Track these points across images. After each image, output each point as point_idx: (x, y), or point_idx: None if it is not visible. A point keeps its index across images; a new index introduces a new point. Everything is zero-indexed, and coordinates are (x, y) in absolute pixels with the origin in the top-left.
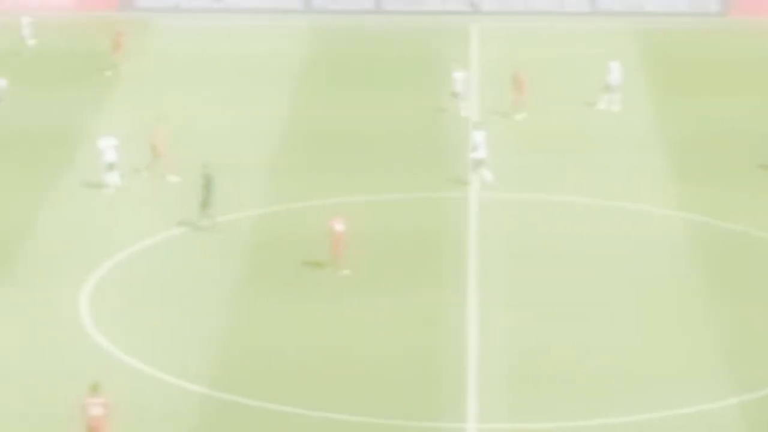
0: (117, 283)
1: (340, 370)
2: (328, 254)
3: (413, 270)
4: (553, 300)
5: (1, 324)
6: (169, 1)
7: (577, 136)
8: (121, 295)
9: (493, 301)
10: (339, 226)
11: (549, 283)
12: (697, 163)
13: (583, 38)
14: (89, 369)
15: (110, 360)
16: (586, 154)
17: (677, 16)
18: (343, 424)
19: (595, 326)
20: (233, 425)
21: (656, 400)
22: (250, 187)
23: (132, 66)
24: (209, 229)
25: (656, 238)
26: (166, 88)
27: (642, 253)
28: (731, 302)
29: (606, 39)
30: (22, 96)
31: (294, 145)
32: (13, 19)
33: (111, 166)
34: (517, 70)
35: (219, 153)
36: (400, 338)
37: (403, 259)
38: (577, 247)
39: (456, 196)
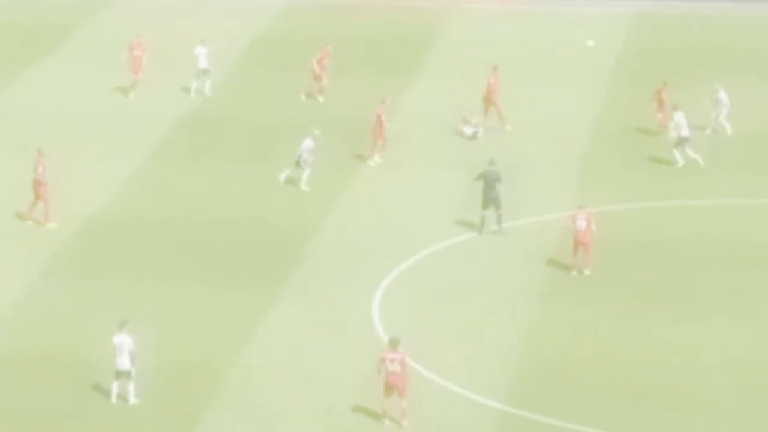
0: (408, 288)
1: (649, 388)
2: (640, 261)
3: (748, 283)
4: None
5: (293, 325)
6: None
7: None
8: (412, 301)
9: None
10: (581, 223)
11: None
12: None
13: None
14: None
15: None
16: None
17: None
18: None
19: None
20: None
21: None
22: (556, 188)
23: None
24: (498, 232)
25: None
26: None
27: None
28: None
29: None
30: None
31: (601, 143)
32: None
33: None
34: (659, 87)
35: (523, 151)
36: (711, 354)
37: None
38: None
39: None
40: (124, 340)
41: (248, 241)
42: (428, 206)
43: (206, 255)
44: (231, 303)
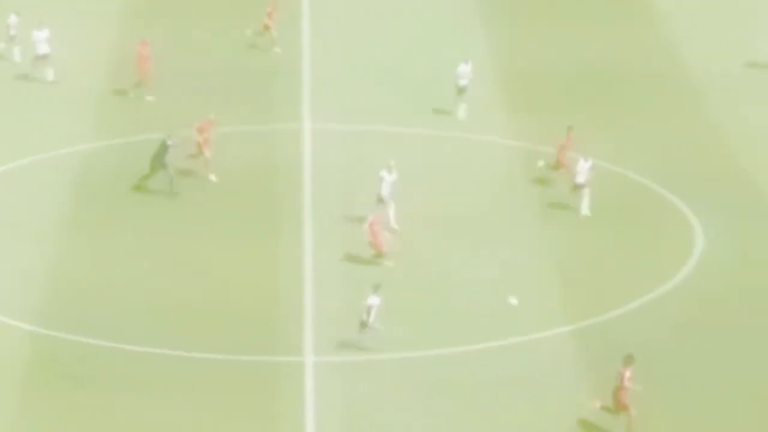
0: None
1: (169, 305)
2: (163, 189)
3: (246, 203)
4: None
5: None
6: None
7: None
8: None
9: (329, 237)
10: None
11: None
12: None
13: None
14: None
15: None
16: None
17: None
18: (182, 360)
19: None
20: (64, 362)
21: (490, 331)
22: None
23: None
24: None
25: (490, 166)
26: None
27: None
28: (566, 227)
29: None
30: None
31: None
32: None
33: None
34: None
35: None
36: (231, 271)
37: (237, 191)
38: (412, 178)
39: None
40: None
41: None
42: None
43: None
44: None
